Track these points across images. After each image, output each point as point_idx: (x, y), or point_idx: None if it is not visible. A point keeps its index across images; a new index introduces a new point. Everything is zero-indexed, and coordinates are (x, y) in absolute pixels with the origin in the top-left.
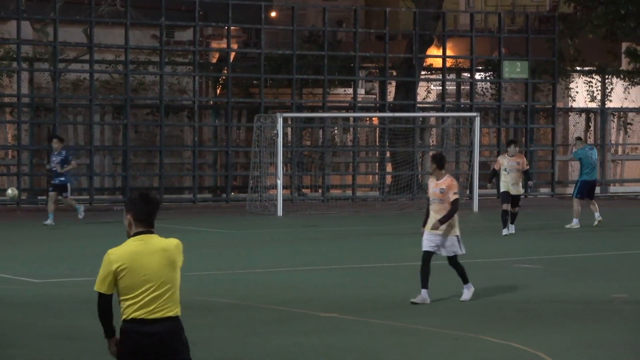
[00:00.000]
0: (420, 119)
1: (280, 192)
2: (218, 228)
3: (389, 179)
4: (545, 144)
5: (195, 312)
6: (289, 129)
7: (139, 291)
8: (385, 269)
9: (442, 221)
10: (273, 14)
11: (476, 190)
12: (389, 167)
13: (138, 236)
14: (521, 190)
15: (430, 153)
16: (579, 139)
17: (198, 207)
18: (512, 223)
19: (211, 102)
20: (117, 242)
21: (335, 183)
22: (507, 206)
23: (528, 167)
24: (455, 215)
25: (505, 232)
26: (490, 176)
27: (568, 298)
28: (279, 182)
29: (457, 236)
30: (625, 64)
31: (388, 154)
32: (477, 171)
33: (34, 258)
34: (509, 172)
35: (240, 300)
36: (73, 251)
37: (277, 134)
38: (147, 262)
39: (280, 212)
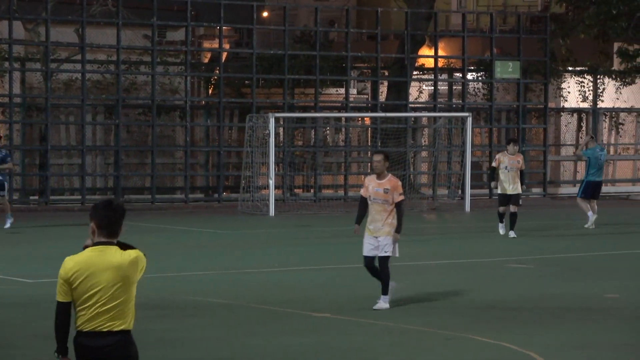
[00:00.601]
0: (412, 119)
1: (272, 192)
2: (210, 228)
3: None
4: (537, 144)
5: (187, 312)
6: (281, 129)
7: (89, 303)
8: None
9: (399, 230)
10: (265, 14)
11: (468, 191)
12: None
13: (97, 246)
14: (520, 189)
15: (375, 152)
16: (592, 137)
17: (190, 207)
18: (512, 228)
19: (203, 102)
20: None
21: (327, 183)
22: (503, 209)
23: (524, 167)
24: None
25: (501, 230)
26: (491, 175)
27: (560, 298)
28: (271, 182)
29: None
30: (617, 64)
31: None
32: (469, 171)
33: (26, 258)
34: (509, 170)
35: (232, 300)
36: (66, 251)
37: (269, 134)
38: (98, 275)
39: (272, 212)
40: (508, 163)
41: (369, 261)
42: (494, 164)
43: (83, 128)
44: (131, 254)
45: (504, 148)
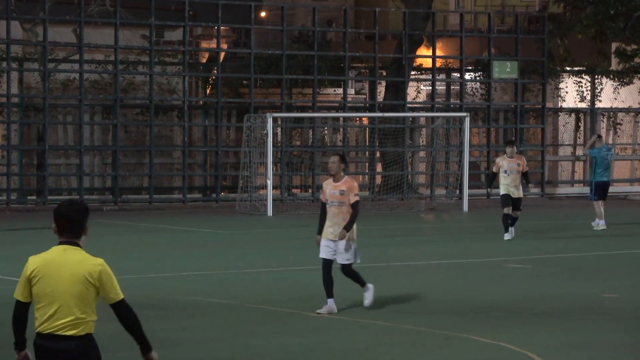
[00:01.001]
0: (410, 119)
1: (270, 192)
2: (208, 228)
3: (378, 179)
4: (535, 144)
5: (186, 312)
6: (279, 129)
7: (45, 304)
8: (374, 269)
9: (347, 228)
10: (263, 14)
11: (466, 191)
12: (378, 167)
13: (60, 246)
14: (522, 193)
15: (332, 153)
16: (599, 137)
17: (188, 207)
18: (511, 226)
19: (201, 102)
20: (102, 241)
21: None
22: (508, 210)
23: (527, 168)
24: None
25: (507, 236)
26: (490, 180)
27: (558, 298)
28: (269, 182)
29: (354, 243)
30: (614, 64)
31: (378, 154)
32: (466, 171)
33: (24, 258)
34: (509, 174)
35: (231, 300)
36: None
37: (266, 134)
38: (56, 277)
39: (270, 212)
40: (507, 167)
41: (327, 263)
42: (494, 169)
43: (81, 128)
44: (95, 262)
45: (502, 148)
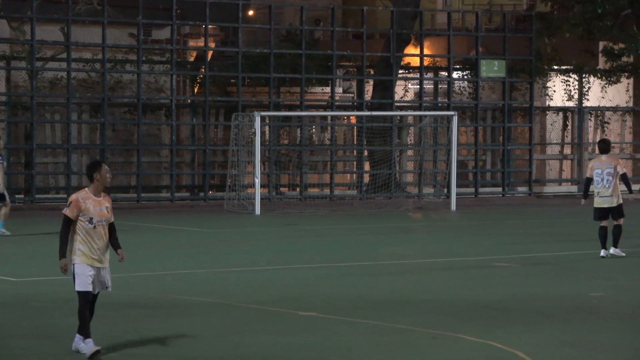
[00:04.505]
0: (398, 117)
1: (258, 191)
2: (196, 227)
3: (366, 178)
4: (523, 142)
5: (175, 311)
6: (267, 128)
7: None
8: (363, 268)
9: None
10: (250, 12)
11: (454, 189)
12: (366, 166)
13: None
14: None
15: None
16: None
17: (176, 205)
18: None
19: (189, 100)
20: None
21: (313, 182)
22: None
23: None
24: None
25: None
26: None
27: (546, 297)
28: (257, 181)
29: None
30: (602, 63)
31: (366, 153)
32: (454, 170)
33: (11, 257)
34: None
35: (218, 299)
36: (50, 250)
37: (254, 132)
38: None
39: (258, 211)
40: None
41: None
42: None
43: (68, 127)
44: None
45: (490, 147)
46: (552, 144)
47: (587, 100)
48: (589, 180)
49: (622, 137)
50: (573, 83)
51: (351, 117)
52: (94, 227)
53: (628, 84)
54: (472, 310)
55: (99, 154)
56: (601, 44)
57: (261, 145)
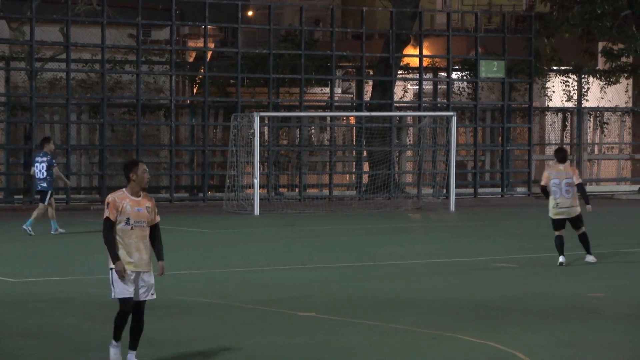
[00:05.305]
0: (397, 118)
1: (257, 192)
2: (195, 227)
3: (365, 178)
4: (522, 143)
5: (173, 312)
6: (266, 128)
7: None
8: (362, 268)
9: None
10: (250, 13)
11: (453, 190)
12: (365, 167)
13: None
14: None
15: (139, 164)
16: None
17: (175, 206)
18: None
19: (188, 101)
20: (89, 240)
21: (312, 182)
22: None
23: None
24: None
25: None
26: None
27: (545, 297)
28: (256, 182)
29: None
30: (601, 64)
31: (365, 153)
32: (453, 170)
33: (10, 257)
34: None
35: (217, 299)
36: (49, 250)
37: (253, 133)
38: None
39: (257, 212)
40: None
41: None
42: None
43: (68, 127)
44: None
45: (489, 147)
46: (551, 145)
47: (586, 100)
48: (545, 188)
49: (621, 138)
50: (572, 83)
51: (350, 118)
52: (131, 228)
53: (627, 84)
54: (471, 310)
55: (98, 154)
56: (600, 45)
57: (260, 145)
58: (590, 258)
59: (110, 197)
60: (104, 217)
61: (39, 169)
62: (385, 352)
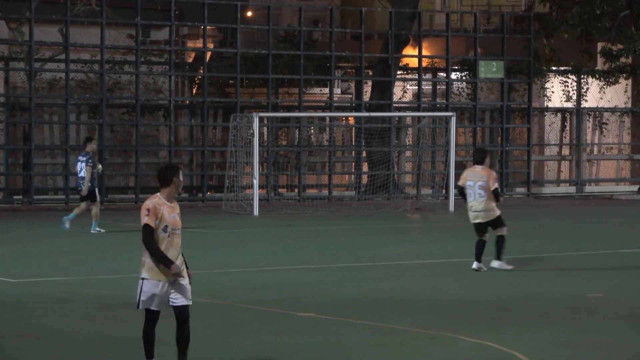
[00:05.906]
0: (397, 118)
1: (256, 192)
2: (194, 228)
3: (365, 179)
4: (521, 143)
5: (172, 312)
6: (265, 129)
7: None
8: (361, 269)
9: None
10: (249, 13)
11: (452, 190)
12: (365, 167)
13: None
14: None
15: (177, 170)
16: None
17: None
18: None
19: (187, 101)
20: (88, 240)
21: (312, 183)
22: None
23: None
24: None
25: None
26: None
27: (543, 297)
28: (255, 182)
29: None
30: (600, 64)
31: (364, 154)
32: (453, 171)
33: (10, 257)
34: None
35: (217, 299)
36: (49, 250)
37: (253, 133)
38: None
39: (256, 212)
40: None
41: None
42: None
43: (67, 127)
44: None
45: (488, 148)
46: (550, 145)
47: (586, 101)
48: (462, 189)
49: (620, 138)
50: (571, 84)
51: (349, 118)
52: (168, 235)
53: (626, 84)
54: (470, 310)
55: (97, 154)
56: (599, 45)
57: (259, 146)
58: (496, 263)
59: (149, 204)
60: (143, 223)
61: (79, 168)
62: (385, 352)
